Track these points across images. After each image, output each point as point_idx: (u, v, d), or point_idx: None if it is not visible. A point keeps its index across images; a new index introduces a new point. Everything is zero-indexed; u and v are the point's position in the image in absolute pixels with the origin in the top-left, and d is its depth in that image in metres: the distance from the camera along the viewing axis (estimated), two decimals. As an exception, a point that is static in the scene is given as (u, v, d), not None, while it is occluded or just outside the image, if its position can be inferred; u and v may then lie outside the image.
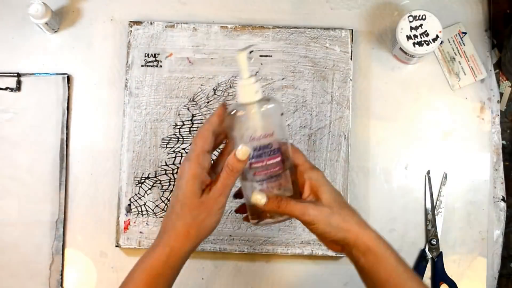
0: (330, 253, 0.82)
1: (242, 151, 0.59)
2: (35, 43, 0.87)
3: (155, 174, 0.84)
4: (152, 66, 0.85)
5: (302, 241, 0.82)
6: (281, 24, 0.86)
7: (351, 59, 0.85)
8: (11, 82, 0.86)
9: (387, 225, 0.84)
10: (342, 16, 0.88)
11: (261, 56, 0.85)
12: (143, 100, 0.85)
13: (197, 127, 0.84)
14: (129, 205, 0.83)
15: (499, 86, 0.87)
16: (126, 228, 0.83)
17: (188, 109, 0.85)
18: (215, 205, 0.60)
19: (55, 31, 0.87)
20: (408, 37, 0.80)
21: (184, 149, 0.84)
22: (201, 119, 0.84)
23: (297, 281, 0.84)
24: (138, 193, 0.83)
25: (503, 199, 0.85)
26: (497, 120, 0.86)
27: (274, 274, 0.84)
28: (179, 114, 0.85)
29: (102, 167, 0.85)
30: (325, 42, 0.86)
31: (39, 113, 0.85)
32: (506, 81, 0.88)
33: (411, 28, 0.80)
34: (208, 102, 0.85)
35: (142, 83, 0.85)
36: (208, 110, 0.84)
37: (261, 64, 0.85)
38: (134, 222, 0.83)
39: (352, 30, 0.86)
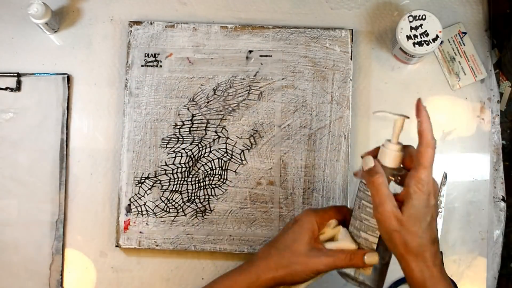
0: (330, 253, 0.82)
1: (371, 257, 0.62)
2: (35, 43, 0.87)
3: (155, 174, 0.84)
4: (152, 66, 0.85)
5: (302, 241, 0.82)
6: (281, 24, 0.86)
7: (351, 59, 0.85)
8: (11, 82, 0.86)
9: (387, 225, 0.84)
10: (342, 16, 0.88)
11: (261, 56, 0.85)
12: (143, 100, 0.85)
13: (197, 127, 0.84)
14: (129, 205, 0.83)
15: (499, 86, 0.87)
16: (126, 228, 0.83)
17: (188, 109, 0.85)
18: (312, 266, 0.62)
19: (55, 31, 0.87)
20: (408, 37, 0.80)
21: (184, 149, 0.84)
22: (201, 119, 0.84)
23: (297, 281, 0.84)
24: (138, 193, 0.83)
25: (503, 199, 0.85)
26: (497, 120, 0.86)
27: (274, 274, 0.84)
28: (179, 114, 0.85)
29: (102, 167, 0.85)
30: (325, 42, 0.86)
31: (39, 113, 0.85)
32: (506, 81, 0.88)
33: (411, 28, 0.80)
34: (208, 102, 0.85)
35: (142, 83, 0.85)
36: (208, 110, 0.84)
37: (261, 64, 0.85)
38: (134, 222, 0.83)
39: (352, 30, 0.86)
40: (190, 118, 0.85)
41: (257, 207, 0.83)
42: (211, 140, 0.84)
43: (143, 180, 0.84)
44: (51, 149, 0.85)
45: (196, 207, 0.83)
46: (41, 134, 0.85)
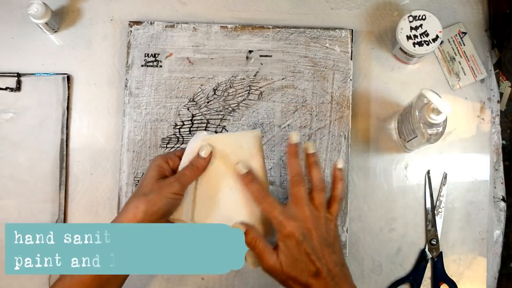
0: (330, 253, 0.82)
1: (206, 150, 0.68)
2: (35, 43, 0.87)
3: (155, 174, 0.84)
4: (152, 66, 0.85)
5: (302, 241, 0.82)
6: (281, 24, 0.86)
7: (351, 59, 0.85)
8: (11, 82, 0.86)
9: (387, 225, 0.84)
10: (342, 16, 0.88)
11: (261, 56, 0.85)
12: (143, 100, 0.85)
13: (197, 127, 0.84)
14: (129, 205, 0.83)
15: (499, 86, 0.88)
16: (126, 228, 0.83)
17: (188, 109, 0.85)
18: (167, 188, 0.65)
19: (55, 31, 0.87)
20: (408, 37, 0.80)
21: (183, 149, 0.84)
22: (201, 119, 0.84)
23: (297, 281, 0.84)
24: (138, 193, 0.83)
25: (503, 199, 0.85)
26: (497, 120, 0.86)
27: (274, 274, 0.84)
28: (179, 114, 0.85)
29: (102, 167, 0.85)
30: (325, 42, 0.86)
31: (39, 113, 0.85)
32: (506, 81, 0.88)
33: (411, 28, 0.80)
34: (208, 102, 0.85)
35: (142, 83, 0.85)
36: (208, 110, 0.84)
37: (261, 64, 0.85)
38: (134, 222, 0.83)
39: (352, 30, 0.86)
40: (190, 118, 0.85)
41: (257, 207, 0.83)
42: (211, 140, 0.84)
43: (143, 180, 0.84)
44: (51, 149, 0.85)
45: (196, 207, 0.83)
46: (41, 134, 0.85)
